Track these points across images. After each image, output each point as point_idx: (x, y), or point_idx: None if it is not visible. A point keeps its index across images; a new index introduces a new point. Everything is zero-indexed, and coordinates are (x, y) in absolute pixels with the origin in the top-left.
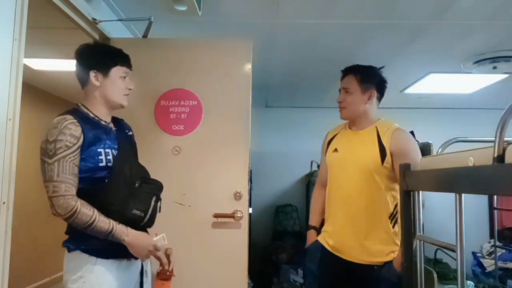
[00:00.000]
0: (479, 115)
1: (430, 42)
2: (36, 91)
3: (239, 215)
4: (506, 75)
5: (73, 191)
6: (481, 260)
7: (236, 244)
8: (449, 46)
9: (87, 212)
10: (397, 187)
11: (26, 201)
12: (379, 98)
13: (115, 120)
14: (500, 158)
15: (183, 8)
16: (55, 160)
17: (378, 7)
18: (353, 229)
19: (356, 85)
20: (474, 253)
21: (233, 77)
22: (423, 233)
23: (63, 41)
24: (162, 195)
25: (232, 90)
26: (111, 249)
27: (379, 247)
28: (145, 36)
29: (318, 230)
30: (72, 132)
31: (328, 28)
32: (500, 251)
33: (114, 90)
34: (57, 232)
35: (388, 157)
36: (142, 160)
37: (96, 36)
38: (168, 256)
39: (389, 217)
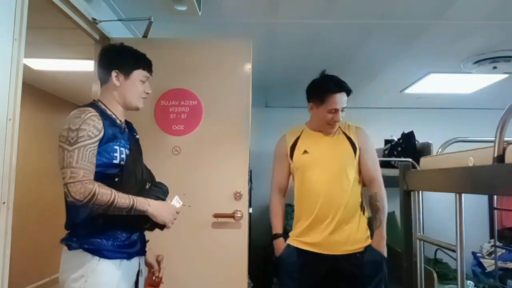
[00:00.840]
0: (479, 115)
1: (430, 42)
2: (36, 91)
3: (239, 215)
4: (506, 75)
5: (91, 176)
6: (481, 260)
7: (236, 244)
8: (449, 46)
9: (106, 192)
10: (360, 178)
11: (26, 201)
12: None
13: (126, 122)
14: (500, 158)
15: (183, 8)
16: (76, 147)
17: (378, 7)
18: (335, 224)
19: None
20: (474, 253)
21: (233, 77)
22: (423, 233)
23: (63, 41)
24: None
25: (232, 90)
26: (114, 249)
27: (358, 235)
28: (145, 36)
29: (284, 237)
30: (95, 124)
31: (328, 28)
32: (500, 251)
33: (133, 92)
34: (57, 232)
35: (357, 151)
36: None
37: (96, 36)
38: (159, 263)
39: (360, 206)
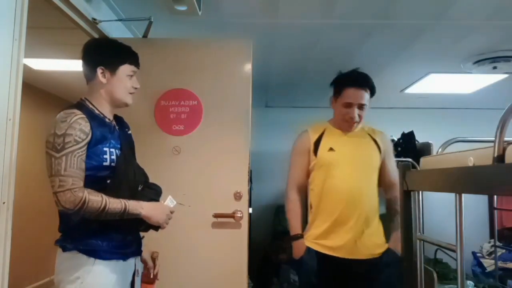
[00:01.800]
0: (479, 115)
1: (430, 42)
2: (36, 91)
3: (239, 215)
4: (506, 75)
5: (80, 184)
6: (481, 260)
7: (236, 244)
8: (449, 46)
9: (96, 198)
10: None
11: (26, 201)
12: None
13: (116, 118)
14: (500, 158)
15: (183, 8)
16: (63, 154)
17: (378, 7)
18: (359, 226)
19: (369, 101)
20: (474, 253)
21: (233, 77)
22: (423, 233)
23: (63, 41)
24: (163, 195)
25: (232, 90)
26: (109, 250)
27: (379, 239)
28: (145, 36)
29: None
30: (82, 127)
31: (328, 28)
32: (500, 251)
33: (120, 88)
34: (57, 232)
35: (382, 155)
36: (142, 160)
37: (96, 36)
38: (154, 260)
39: (378, 209)
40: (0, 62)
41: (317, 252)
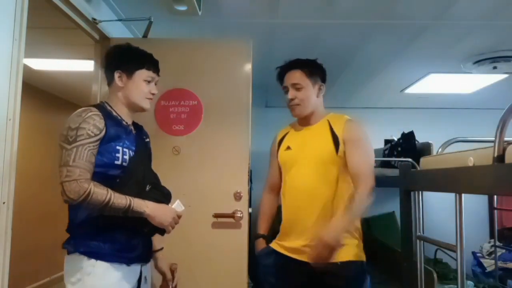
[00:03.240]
0: (479, 115)
1: (430, 42)
2: (36, 91)
3: (239, 215)
4: (506, 75)
5: (88, 175)
6: (481, 260)
7: (236, 244)
8: (449, 46)
9: (101, 191)
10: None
11: (26, 201)
12: (324, 92)
13: (135, 125)
14: (500, 158)
15: (183, 8)
16: (74, 146)
17: (378, 7)
18: (313, 225)
19: (306, 80)
20: (474, 253)
21: (233, 77)
22: (423, 233)
23: (63, 41)
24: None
25: (232, 90)
26: (112, 253)
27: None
28: (145, 36)
29: (268, 239)
30: (95, 123)
31: (328, 28)
32: (500, 251)
33: (137, 92)
34: (57, 232)
35: (341, 146)
36: None
37: (96, 36)
38: (172, 272)
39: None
40: (0, 62)
41: (277, 252)
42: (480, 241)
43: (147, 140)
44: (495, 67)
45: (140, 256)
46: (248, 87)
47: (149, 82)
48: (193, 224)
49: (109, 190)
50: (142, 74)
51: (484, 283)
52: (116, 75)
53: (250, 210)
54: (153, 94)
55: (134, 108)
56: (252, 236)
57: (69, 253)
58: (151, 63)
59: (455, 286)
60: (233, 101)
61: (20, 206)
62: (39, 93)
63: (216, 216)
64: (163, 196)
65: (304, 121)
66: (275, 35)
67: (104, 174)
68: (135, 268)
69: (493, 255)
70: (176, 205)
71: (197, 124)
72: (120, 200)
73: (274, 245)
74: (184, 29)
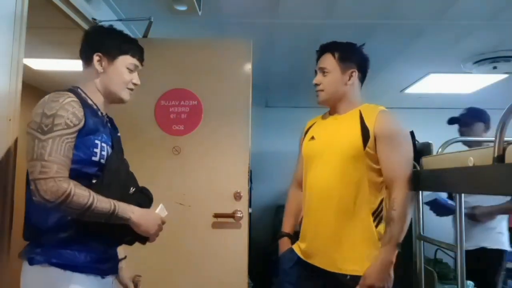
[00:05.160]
0: None
1: (430, 42)
2: (36, 91)
3: (239, 215)
4: (506, 75)
5: (66, 173)
6: None
7: (236, 244)
8: (449, 46)
9: (83, 193)
10: (382, 179)
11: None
12: (362, 80)
13: (107, 117)
14: (500, 158)
15: (183, 8)
16: (50, 137)
17: (378, 7)
18: (328, 229)
19: (335, 64)
20: None
21: (233, 77)
22: (423, 233)
23: (63, 41)
24: (163, 195)
25: (232, 90)
26: (87, 264)
27: (356, 251)
28: (145, 36)
29: (293, 237)
30: (75, 111)
31: (328, 28)
32: None
33: (117, 80)
34: None
35: (371, 141)
36: (142, 160)
37: None
38: (135, 285)
39: (372, 214)
40: (0, 62)
41: (299, 257)
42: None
43: (119, 134)
44: (495, 67)
45: (113, 268)
46: (248, 87)
47: (132, 70)
48: (193, 224)
49: (92, 192)
50: (126, 60)
51: None
52: (96, 58)
53: (250, 210)
54: (135, 84)
55: (112, 98)
56: (277, 235)
57: (33, 263)
58: (136, 50)
59: (455, 286)
60: (233, 101)
61: (20, 206)
62: (39, 93)
63: (216, 216)
64: (148, 201)
65: (333, 110)
66: (275, 35)
67: (78, 171)
68: (108, 281)
69: None
70: (160, 209)
71: (197, 124)
72: (103, 204)
73: (295, 246)
74: (184, 29)
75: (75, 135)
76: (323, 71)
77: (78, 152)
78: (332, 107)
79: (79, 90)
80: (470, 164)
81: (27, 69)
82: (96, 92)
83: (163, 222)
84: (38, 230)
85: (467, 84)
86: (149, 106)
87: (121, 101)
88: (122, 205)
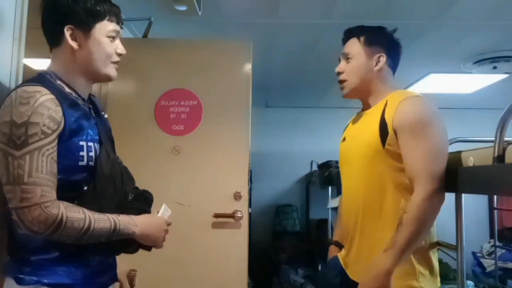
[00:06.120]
0: (479, 115)
1: (430, 42)
2: None
3: (239, 215)
4: (506, 75)
5: (53, 195)
6: (481, 260)
7: (236, 244)
8: (449, 46)
9: (77, 216)
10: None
11: None
12: (393, 67)
13: (89, 97)
14: (500, 158)
15: (183, 8)
16: (26, 152)
17: (378, 7)
18: (356, 239)
19: (360, 49)
20: (474, 253)
21: (233, 77)
22: None
23: None
24: (163, 195)
25: (232, 90)
26: (88, 278)
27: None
28: (145, 36)
29: (341, 245)
30: (51, 113)
31: (328, 28)
32: (500, 251)
33: (100, 55)
34: None
35: (391, 136)
36: (141, 160)
37: None
38: (130, 281)
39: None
40: (0, 62)
41: (342, 267)
42: (480, 241)
43: (106, 116)
44: (495, 67)
45: (114, 277)
46: (248, 87)
47: (113, 38)
48: (193, 224)
49: (87, 212)
50: (104, 27)
51: (484, 283)
52: (67, 32)
53: (250, 210)
54: (120, 55)
55: (96, 77)
56: (325, 242)
57: (21, 283)
58: (112, 11)
59: (455, 286)
60: (233, 101)
61: None
62: None
63: (216, 216)
64: (148, 204)
65: (364, 104)
66: (275, 35)
67: (66, 181)
68: None
69: (493, 255)
70: (163, 211)
71: (197, 124)
72: (102, 224)
73: (340, 255)
74: (184, 29)
75: (55, 142)
76: (347, 57)
77: (62, 159)
78: (363, 101)
79: (51, 76)
80: (470, 164)
81: (27, 69)
82: (73, 74)
83: (168, 224)
84: (25, 248)
85: (467, 84)
86: (149, 106)
87: (108, 78)
88: (123, 219)
